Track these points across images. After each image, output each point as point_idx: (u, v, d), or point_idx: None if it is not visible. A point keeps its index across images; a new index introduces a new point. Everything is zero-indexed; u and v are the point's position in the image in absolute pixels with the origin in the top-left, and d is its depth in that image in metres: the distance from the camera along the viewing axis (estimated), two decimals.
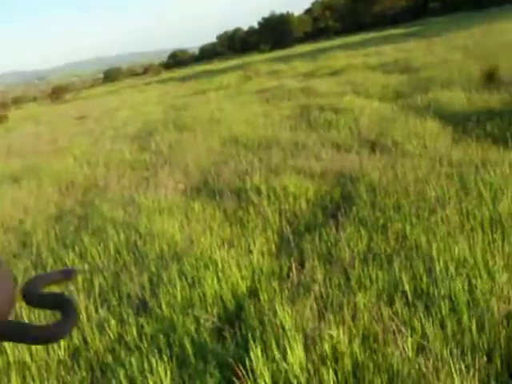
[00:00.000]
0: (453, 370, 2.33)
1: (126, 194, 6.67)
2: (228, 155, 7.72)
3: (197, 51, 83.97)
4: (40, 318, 3.69)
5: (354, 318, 2.91)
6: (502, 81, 9.19)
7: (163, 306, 3.53)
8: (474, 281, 3.05)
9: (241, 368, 2.55)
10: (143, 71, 78.95)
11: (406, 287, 3.13)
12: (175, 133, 10.97)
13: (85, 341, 3.42)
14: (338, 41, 39.94)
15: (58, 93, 48.15)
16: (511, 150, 5.43)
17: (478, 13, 36.25)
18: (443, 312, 2.84)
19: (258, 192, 5.53)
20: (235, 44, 72.16)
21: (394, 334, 2.66)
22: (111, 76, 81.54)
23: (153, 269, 4.20)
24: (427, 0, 52.11)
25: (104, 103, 28.35)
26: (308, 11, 64.77)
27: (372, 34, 39.19)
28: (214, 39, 79.98)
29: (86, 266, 4.55)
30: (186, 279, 3.85)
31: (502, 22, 20.27)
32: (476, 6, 43.73)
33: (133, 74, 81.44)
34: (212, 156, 7.95)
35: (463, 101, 8.39)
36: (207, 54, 76.65)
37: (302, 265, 3.77)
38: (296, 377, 2.51)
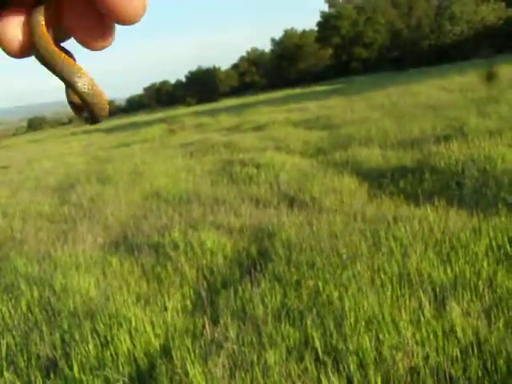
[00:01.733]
0: None
1: (43, 248, 6.52)
2: (148, 209, 7.70)
3: (123, 102, 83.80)
4: None
5: (264, 375, 2.94)
6: (416, 139, 9.61)
7: (74, 367, 3.45)
8: (381, 336, 3.15)
9: None
10: (68, 121, 77.92)
11: (317, 344, 3.20)
12: (97, 185, 10.86)
13: None
14: (263, 96, 40.76)
15: None
16: (421, 207, 5.65)
17: (397, 73, 37.89)
18: (351, 368, 2.92)
19: (177, 247, 5.53)
20: (162, 96, 72.49)
21: None
22: (35, 125, 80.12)
23: (65, 327, 4.11)
24: (350, 60, 54.12)
25: (27, 153, 27.76)
26: (235, 66, 66.07)
27: (296, 90, 40.23)
28: (141, 91, 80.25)
29: None
30: (99, 338, 3.79)
31: (419, 84, 21.26)
32: (396, 66, 45.79)
33: (58, 123, 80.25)
34: (133, 210, 7.91)
35: (379, 158, 8.71)
36: (134, 105, 76.65)
37: (216, 321, 3.79)
38: None
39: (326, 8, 59.73)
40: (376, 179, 7.40)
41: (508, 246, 4.13)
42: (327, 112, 17.55)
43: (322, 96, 25.80)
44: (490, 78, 16.38)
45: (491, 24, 43.66)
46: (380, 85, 25.57)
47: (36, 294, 4.93)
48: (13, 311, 4.65)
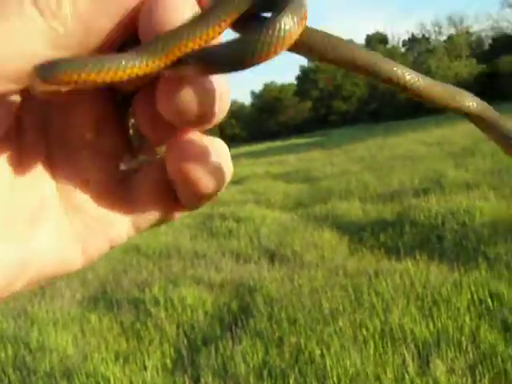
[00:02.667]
0: None
1: (19, 303, 6.39)
2: (128, 264, 7.62)
3: None
4: None
5: None
6: (395, 191, 9.68)
7: None
8: None
9: None
10: None
11: None
12: None
13: None
14: (243, 149, 41.08)
15: None
16: (402, 260, 5.66)
17: (375, 126, 38.46)
18: None
19: (157, 303, 5.45)
20: None
21: None
22: None
23: None
24: (328, 112, 54.97)
25: None
26: None
27: (277, 143, 40.62)
28: None
29: None
30: None
31: (396, 136, 21.56)
32: (374, 119, 46.58)
33: None
34: (112, 264, 7.82)
35: (359, 211, 8.75)
36: None
37: (197, 380, 3.72)
38: None
39: (305, 62, 60.78)
40: (356, 233, 7.41)
41: (489, 301, 4.13)
42: (307, 165, 17.68)
43: (301, 149, 26.04)
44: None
45: (464, 79, 44.78)
46: (359, 137, 25.92)
47: (10, 352, 4.81)
48: None
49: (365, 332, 3.95)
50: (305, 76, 58.40)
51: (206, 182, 0.39)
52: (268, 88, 61.01)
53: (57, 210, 0.39)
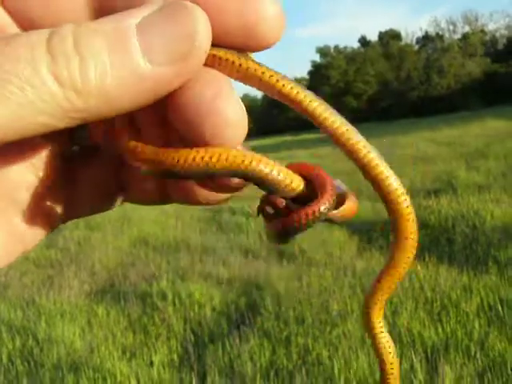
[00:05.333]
0: None
1: (27, 293, 6.42)
2: (136, 256, 7.63)
3: None
4: None
5: None
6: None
7: None
8: None
9: None
10: None
11: None
12: (85, 230, 10.77)
13: None
14: (253, 142, 41.04)
15: None
16: (412, 262, 5.62)
17: (385, 124, 38.33)
18: None
19: (164, 298, 5.46)
20: None
21: None
22: None
23: (47, 381, 4.01)
24: (339, 109, 54.69)
25: None
26: None
27: (287, 138, 40.56)
28: None
29: None
30: None
31: (407, 135, 21.45)
32: (384, 117, 46.43)
33: None
34: (120, 256, 7.83)
35: (369, 211, 8.71)
36: None
37: (204, 378, 3.72)
38: None
39: (317, 58, 60.61)
40: (366, 233, 7.38)
41: (499, 306, 4.10)
42: (317, 161, 17.61)
43: (311, 144, 25.96)
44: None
45: (477, 78, 44.57)
46: (369, 135, 24.99)
47: (18, 343, 4.83)
48: None
49: None
50: (317, 71, 58.25)
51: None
52: None
53: None
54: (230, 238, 8.03)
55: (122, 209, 13.27)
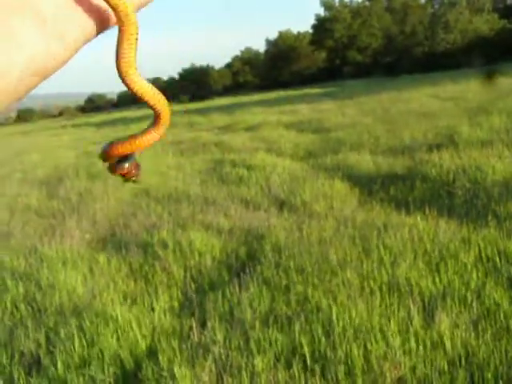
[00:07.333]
0: None
1: (30, 242, 6.47)
2: (137, 207, 7.67)
3: (115, 97, 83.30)
4: None
5: (252, 381, 2.93)
6: (407, 146, 9.61)
7: (58, 365, 3.42)
8: (369, 345, 3.14)
9: None
10: (58, 114, 77.24)
11: (305, 350, 3.19)
12: (86, 180, 10.80)
13: None
14: (256, 96, 40.72)
15: None
16: (411, 215, 5.66)
17: (390, 79, 37.90)
18: (339, 376, 2.91)
19: (165, 247, 5.50)
20: None
21: None
22: (24, 116, 79.42)
23: (51, 324, 4.08)
24: (343, 63, 54.16)
25: (15, 144, 27.55)
26: (228, 65, 65.99)
27: (289, 92, 40.18)
28: None
29: None
30: (85, 336, 3.76)
31: (411, 91, 21.22)
32: (389, 72, 45.81)
33: (47, 115, 79.45)
34: (121, 207, 7.87)
35: (370, 164, 8.71)
36: (125, 100, 76.16)
37: (204, 324, 3.77)
38: None
39: (321, 11, 59.69)
40: (366, 185, 7.39)
41: (497, 258, 4.14)
42: (319, 115, 17.53)
43: (314, 99, 25.76)
44: (491, 78, 16.49)
45: (484, 34, 43.88)
46: (372, 90, 25.57)
47: (22, 289, 4.89)
48: None
49: (372, 284, 3.98)
50: (320, 25, 57.36)
51: None
52: (283, 36, 60.12)
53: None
54: (231, 190, 8.04)
55: None
